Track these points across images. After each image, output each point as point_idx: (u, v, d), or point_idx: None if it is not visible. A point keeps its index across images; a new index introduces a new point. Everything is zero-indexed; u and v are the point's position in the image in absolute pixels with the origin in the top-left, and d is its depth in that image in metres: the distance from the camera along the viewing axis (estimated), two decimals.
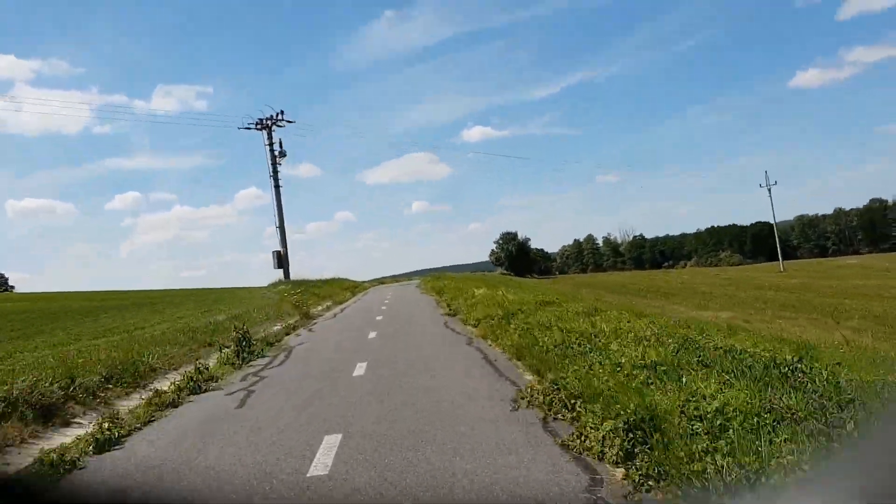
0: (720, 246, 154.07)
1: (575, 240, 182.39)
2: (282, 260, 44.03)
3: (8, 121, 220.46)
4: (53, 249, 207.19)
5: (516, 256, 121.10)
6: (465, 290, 28.57)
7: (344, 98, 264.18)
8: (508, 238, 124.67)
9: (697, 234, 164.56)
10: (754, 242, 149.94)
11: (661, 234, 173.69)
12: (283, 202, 46.66)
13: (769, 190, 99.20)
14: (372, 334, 18.61)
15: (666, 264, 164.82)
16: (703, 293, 42.40)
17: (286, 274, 44.46)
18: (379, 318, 24.64)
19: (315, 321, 26.37)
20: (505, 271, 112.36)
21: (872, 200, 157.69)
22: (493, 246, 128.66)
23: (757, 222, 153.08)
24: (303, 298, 27.39)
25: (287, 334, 21.45)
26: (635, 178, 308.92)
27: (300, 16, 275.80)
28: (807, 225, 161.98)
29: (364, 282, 67.63)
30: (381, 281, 75.55)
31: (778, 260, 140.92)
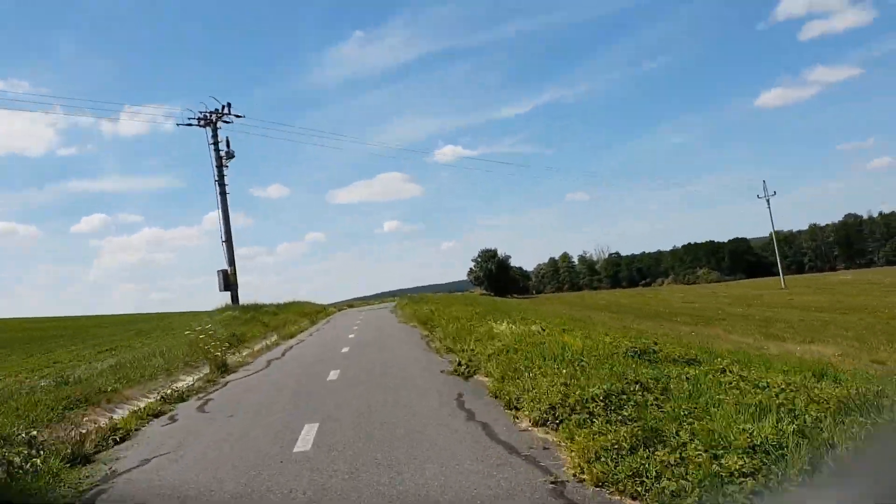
0: (697, 263, 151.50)
1: (550, 258, 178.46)
2: (228, 280, 35.93)
3: None
4: (17, 273, 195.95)
5: (496, 275, 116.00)
6: (465, 320, 22.49)
7: (314, 118, 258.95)
8: (488, 256, 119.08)
9: (674, 252, 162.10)
10: (732, 259, 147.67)
11: (636, 252, 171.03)
12: (236, 218, 40.76)
13: (768, 201, 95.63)
14: (306, 435, 8.43)
15: (643, 282, 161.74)
16: (740, 316, 37.40)
17: (234, 297, 36.81)
18: (333, 376, 14.27)
19: (227, 379, 16.01)
20: (485, 291, 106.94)
21: (847, 216, 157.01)
22: (472, 264, 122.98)
23: (734, 238, 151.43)
24: (221, 341, 18.45)
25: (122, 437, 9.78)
26: (605, 196, 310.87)
27: (270, 36, 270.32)
28: (782, 241, 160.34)
29: (330, 305, 61.33)
30: (349, 304, 69.22)
31: (757, 277, 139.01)
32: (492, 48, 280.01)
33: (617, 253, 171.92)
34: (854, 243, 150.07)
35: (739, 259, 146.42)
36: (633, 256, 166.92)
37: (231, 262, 36.37)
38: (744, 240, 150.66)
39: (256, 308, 34.85)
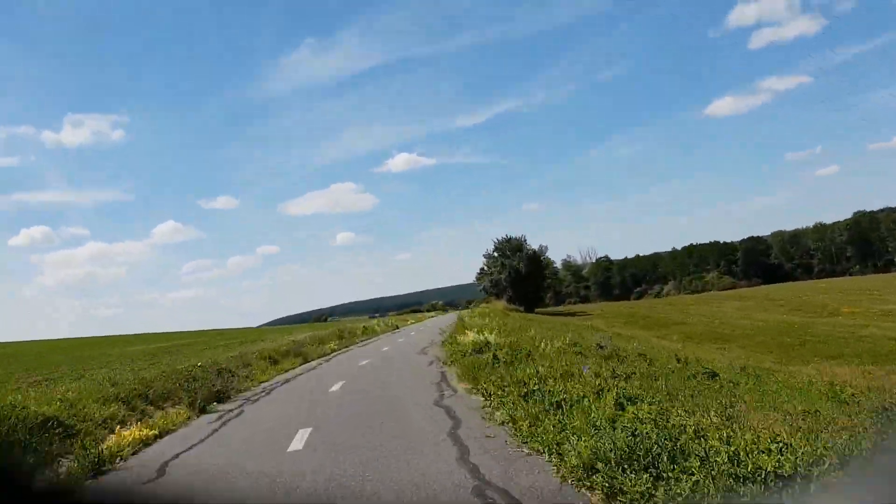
0: (703, 265, 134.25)
1: None
2: None
3: None
4: None
5: (524, 278, 77.54)
6: None
7: (265, 128, 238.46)
8: (512, 247, 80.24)
9: (673, 254, 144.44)
10: (746, 260, 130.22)
11: (629, 255, 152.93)
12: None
13: None
14: None
15: (638, 289, 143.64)
16: None
17: None
18: None
19: None
20: (510, 304, 72.83)
21: (857, 213, 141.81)
22: (483, 262, 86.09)
23: (750, 237, 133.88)
24: None
25: None
26: (558, 206, 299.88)
27: (220, 44, 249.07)
28: (787, 241, 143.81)
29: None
30: (288, 331, 42.83)
31: (779, 282, 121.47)
32: (447, 59, 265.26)
33: (606, 257, 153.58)
34: (873, 243, 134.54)
35: (754, 261, 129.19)
36: (627, 260, 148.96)
37: None
38: (761, 239, 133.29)
39: None
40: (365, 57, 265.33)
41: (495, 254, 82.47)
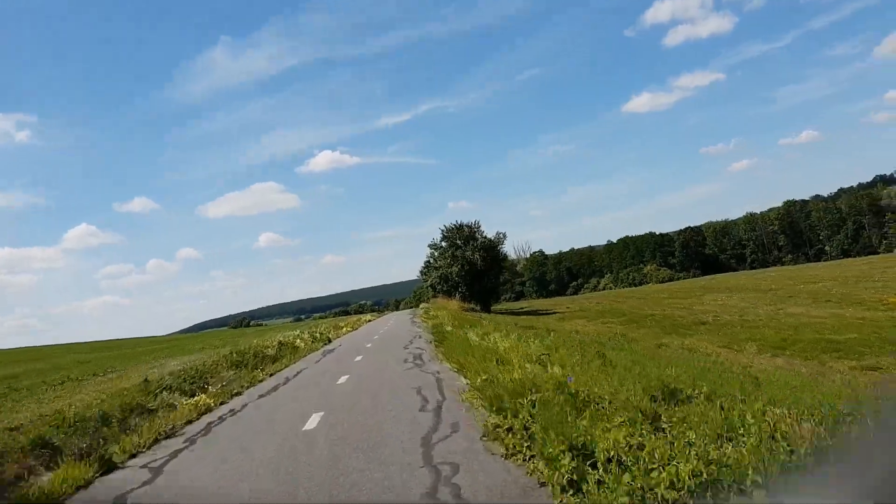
0: (640, 258, 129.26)
1: None
2: None
3: None
4: None
5: (479, 272, 66.50)
6: None
7: (184, 129, 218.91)
8: (465, 235, 68.74)
9: (609, 247, 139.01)
10: (684, 252, 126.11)
11: (564, 249, 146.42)
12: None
13: None
14: None
15: (574, 283, 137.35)
16: None
17: None
18: None
19: None
20: (465, 302, 61.10)
21: (787, 203, 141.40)
22: (428, 254, 73.37)
23: (687, 228, 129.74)
24: None
25: None
26: (488, 204, 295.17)
27: (134, 42, 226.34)
28: (720, 232, 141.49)
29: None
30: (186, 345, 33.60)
31: (713, 272, 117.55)
32: (372, 58, 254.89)
33: (541, 251, 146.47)
34: (804, 233, 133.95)
35: (692, 252, 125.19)
36: (562, 254, 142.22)
37: None
38: (698, 230, 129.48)
39: None
40: (286, 56, 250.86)
41: (443, 244, 70.26)
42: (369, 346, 23.04)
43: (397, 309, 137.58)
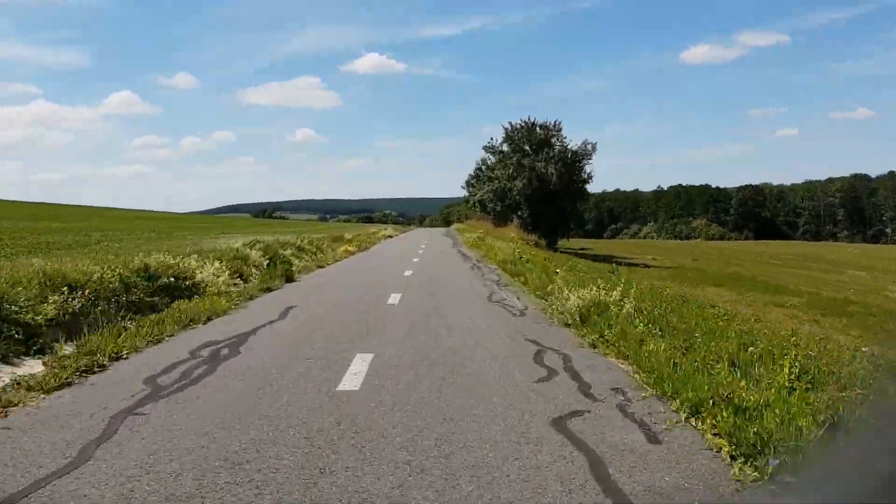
0: (690, 211, 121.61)
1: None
2: None
3: None
4: None
5: (551, 193, 50.02)
6: None
7: (227, 8, 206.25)
8: (537, 139, 51.29)
9: (658, 193, 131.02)
10: (741, 212, 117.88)
11: (608, 189, 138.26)
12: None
13: None
14: None
15: (613, 226, 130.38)
16: None
17: None
18: None
19: None
20: (526, 233, 43.85)
21: (855, 176, 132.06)
22: (480, 163, 56.70)
23: (747, 185, 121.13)
24: None
25: None
26: None
27: None
28: (774, 196, 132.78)
29: None
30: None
31: (779, 238, 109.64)
32: None
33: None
34: (866, 210, 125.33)
35: (750, 213, 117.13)
36: (605, 194, 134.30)
37: None
38: (757, 188, 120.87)
39: None
40: None
41: (504, 147, 53.11)
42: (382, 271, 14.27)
43: (421, 225, 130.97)
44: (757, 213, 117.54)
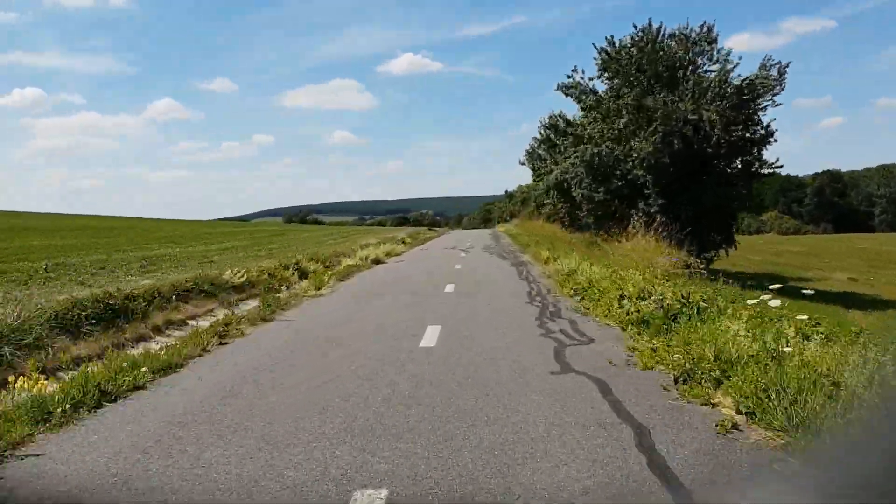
0: (758, 199, 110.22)
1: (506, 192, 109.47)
2: None
3: None
4: None
5: (707, 156, 25.43)
6: None
7: (269, 14, 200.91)
8: (668, 61, 25.56)
9: None
10: (816, 200, 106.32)
11: None
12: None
13: None
14: None
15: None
16: None
17: None
18: None
19: None
20: (665, 242, 18.33)
21: None
22: (544, 124, 40.93)
23: (824, 171, 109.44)
24: None
25: None
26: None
27: None
28: (848, 184, 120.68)
29: None
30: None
31: (849, 230, 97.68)
32: None
33: None
34: None
35: (825, 203, 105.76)
36: None
37: None
38: (836, 175, 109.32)
39: None
40: None
41: (601, 83, 28.48)
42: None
43: (459, 226, 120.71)
44: (835, 202, 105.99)
